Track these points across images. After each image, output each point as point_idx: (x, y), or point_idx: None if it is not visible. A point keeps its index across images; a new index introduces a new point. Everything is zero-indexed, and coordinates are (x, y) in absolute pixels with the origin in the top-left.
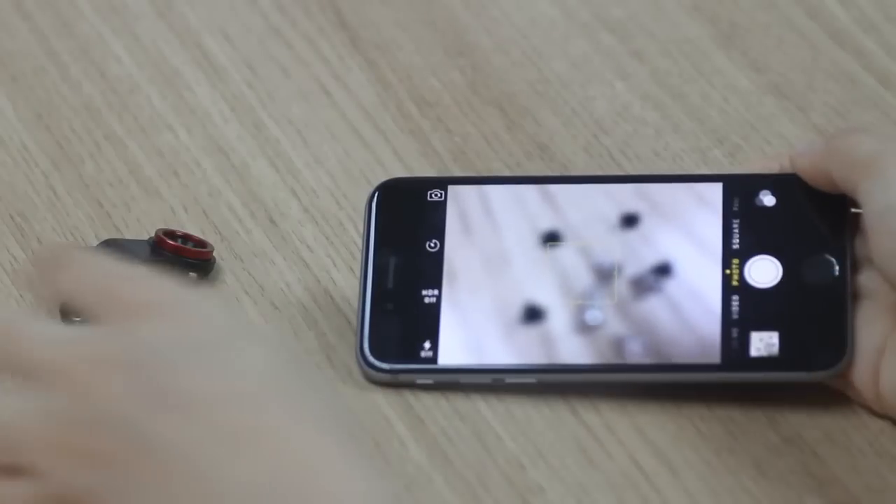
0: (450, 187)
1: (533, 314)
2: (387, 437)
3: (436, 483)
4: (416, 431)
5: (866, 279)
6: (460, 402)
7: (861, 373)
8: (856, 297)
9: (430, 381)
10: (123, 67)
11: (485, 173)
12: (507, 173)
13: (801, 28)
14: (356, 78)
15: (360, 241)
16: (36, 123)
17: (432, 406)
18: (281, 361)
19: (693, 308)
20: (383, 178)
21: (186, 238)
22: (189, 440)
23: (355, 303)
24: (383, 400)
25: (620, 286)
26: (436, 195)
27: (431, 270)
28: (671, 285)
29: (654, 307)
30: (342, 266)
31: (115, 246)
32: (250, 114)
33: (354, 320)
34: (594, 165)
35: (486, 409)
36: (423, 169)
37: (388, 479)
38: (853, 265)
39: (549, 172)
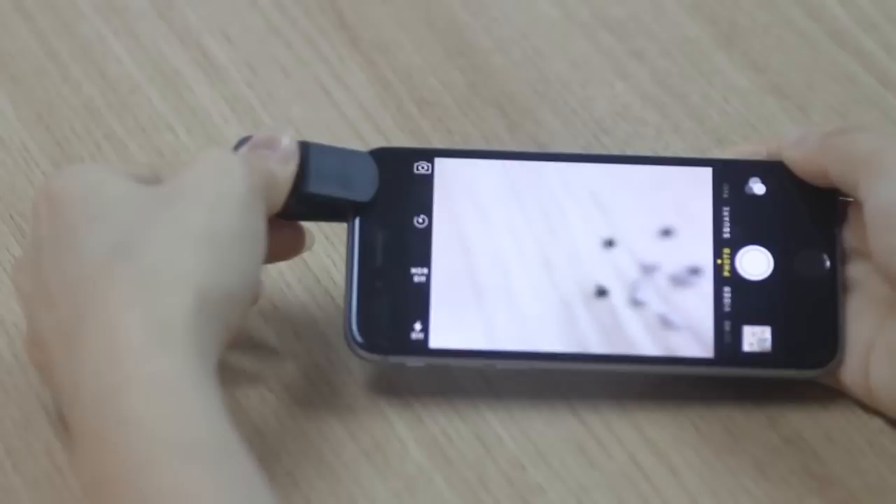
0: (437, 160)
1: (525, 296)
2: (387, 437)
3: (436, 483)
4: (416, 431)
5: (854, 271)
6: (460, 401)
7: (851, 367)
8: (844, 288)
9: (420, 364)
10: (123, 67)
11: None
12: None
13: (801, 28)
14: (356, 78)
15: None
16: (36, 123)
17: (432, 406)
18: (126, 230)
19: (684, 299)
20: None
21: None
22: (50, 329)
23: None
24: (383, 399)
25: (619, 270)
26: (423, 167)
27: (420, 247)
28: (660, 275)
29: (645, 294)
30: (342, 266)
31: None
32: (250, 114)
33: None
34: None
35: (486, 408)
36: None
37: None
38: (843, 256)
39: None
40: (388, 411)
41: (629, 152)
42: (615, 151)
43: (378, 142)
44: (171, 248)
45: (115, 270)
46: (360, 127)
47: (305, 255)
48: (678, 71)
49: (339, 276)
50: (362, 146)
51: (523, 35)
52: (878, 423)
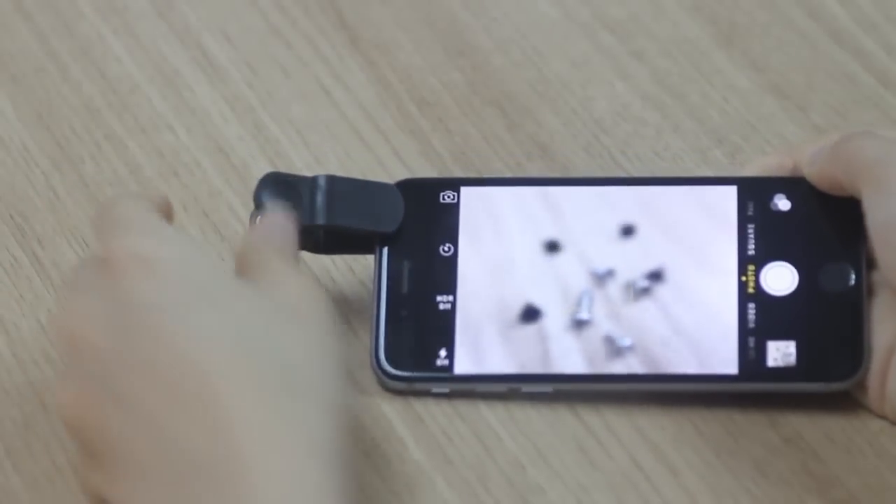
0: (463, 189)
1: (551, 322)
2: (387, 437)
3: (436, 483)
4: (417, 431)
5: (876, 275)
6: (461, 402)
7: (870, 373)
8: (868, 293)
9: (445, 391)
10: (123, 67)
11: (492, 175)
12: (508, 174)
13: (801, 28)
14: (356, 78)
15: None
16: (36, 123)
17: (432, 406)
18: (251, 327)
19: (709, 316)
20: (384, 178)
21: None
22: (150, 400)
23: (354, 302)
24: (384, 399)
25: (638, 294)
26: (449, 197)
27: (446, 275)
28: (686, 293)
29: (670, 315)
30: (342, 266)
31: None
32: (250, 114)
33: (354, 320)
34: (594, 166)
35: (486, 409)
36: (423, 169)
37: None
38: (867, 263)
39: (549, 173)
40: (388, 411)
41: (642, 173)
42: (641, 174)
43: (378, 141)
44: (309, 356)
45: (246, 366)
46: (360, 127)
47: (305, 255)
48: (678, 71)
49: (339, 275)
50: (362, 146)
51: (523, 35)
52: (878, 423)
